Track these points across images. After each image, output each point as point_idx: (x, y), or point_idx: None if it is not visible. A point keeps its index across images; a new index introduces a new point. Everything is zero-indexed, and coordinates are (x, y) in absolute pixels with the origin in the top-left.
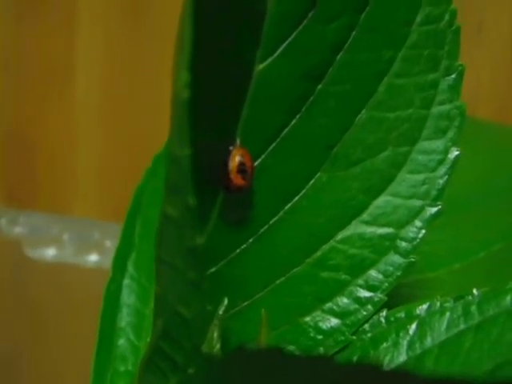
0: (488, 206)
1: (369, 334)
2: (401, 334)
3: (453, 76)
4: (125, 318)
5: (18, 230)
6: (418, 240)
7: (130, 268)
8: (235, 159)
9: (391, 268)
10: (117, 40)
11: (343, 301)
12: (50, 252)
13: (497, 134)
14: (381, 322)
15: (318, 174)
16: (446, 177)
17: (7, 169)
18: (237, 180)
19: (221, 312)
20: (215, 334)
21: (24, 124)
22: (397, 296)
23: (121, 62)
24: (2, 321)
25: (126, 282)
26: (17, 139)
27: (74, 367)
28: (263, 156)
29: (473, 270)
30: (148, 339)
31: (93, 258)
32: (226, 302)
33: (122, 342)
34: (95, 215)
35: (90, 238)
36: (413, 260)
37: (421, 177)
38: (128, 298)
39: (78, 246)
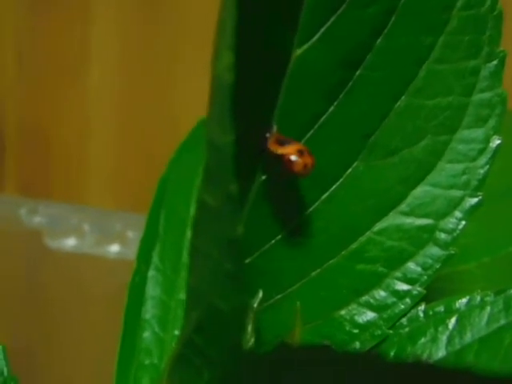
0: None
1: (406, 329)
2: (440, 329)
3: (494, 63)
4: (150, 311)
5: (37, 220)
6: (457, 231)
7: (155, 259)
8: (291, 146)
9: (430, 260)
10: (131, 32)
11: (380, 294)
12: (70, 242)
13: None
14: (419, 316)
15: (356, 164)
16: (487, 166)
17: (23, 160)
18: (304, 159)
19: (255, 305)
20: (249, 328)
21: (39, 116)
22: (427, 290)
23: (135, 53)
24: (23, 311)
25: (151, 273)
26: (32, 130)
27: (94, 359)
28: None
29: (503, 264)
30: (174, 332)
31: (114, 248)
32: (260, 294)
33: (146, 334)
34: (111, 205)
35: (110, 228)
36: (452, 252)
37: (461, 166)
38: (153, 289)
39: (99, 237)
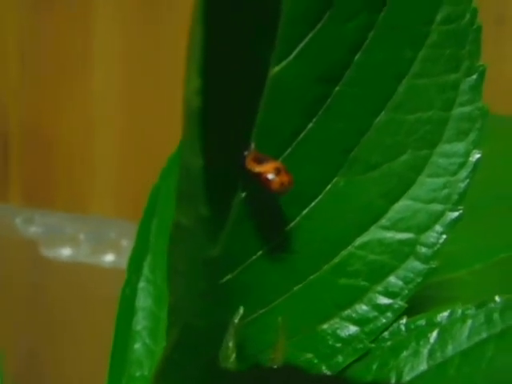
0: (511, 206)
1: (388, 342)
2: (421, 343)
3: (474, 77)
4: (140, 322)
5: (33, 229)
6: (438, 245)
7: (146, 270)
8: (269, 164)
9: (411, 274)
10: (134, 32)
11: (362, 308)
12: (66, 252)
13: None
14: (401, 329)
15: (336, 179)
16: (468, 180)
17: (24, 167)
18: (282, 178)
19: (236, 321)
20: (231, 344)
21: (40, 121)
22: (417, 298)
23: (138, 53)
24: (19, 320)
25: (142, 284)
26: (33, 137)
27: (88, 368)
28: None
29: (494, 271)
30: (164, 343)
31: (109, 257)
32: (241, 311)
33: (137, 346)
34: (113, 213)
35: (106, 237)
36: (433, 266)
37: (441, 180)
38: (144, 301)
39: (94, 246)
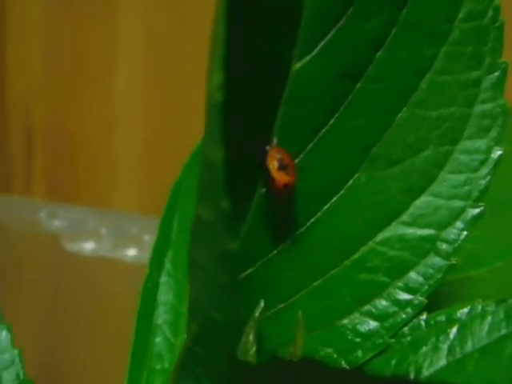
0: None
1: (408, 338)
2: (441, 338)
3: (496, 74)
4: (161, 316)
5: (57, 223)
6: (459, 242)
7: (167, 265)
8: (273, 158)
9: (431, 270)
10: (158, 31)
11: (382, 303)
12: (89, 246)
13: None
14: (420, 325)
15: (357, 175)
16: (489, 177)
17: (48, 163)
18: (280, 177)
19: (257, 314)
20: (251, 337)
21: (64, 117)
22: (438, 295)
23: (162, 53)
24: (40, 314)
25: (163, 279)
26: (57, 133)
27: (110, 363)
28: (300, 156)
29: None
30: (185, 337)
31: (131, 252)
32: (262, 304)
33: (158, 339)
34: (136, 209)
35: (128, 232)
36: (454, 262)
37: (462, 177)
38: (165, 295)
39: (117, 240)
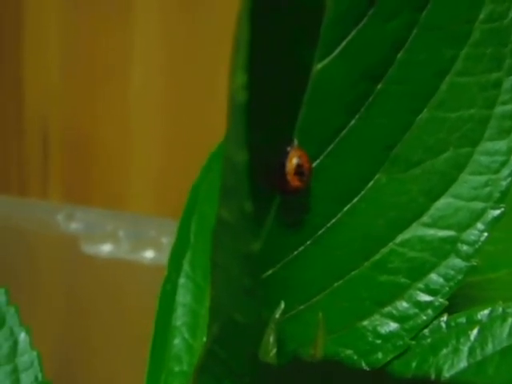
0: None
1: (428, 340)
2: (461, 340)
3: None
4: (180, 318)
5: (74, 226)
6: (479, 243)
7: (186, 267)
8: (292, 160)
9: (452, 272)
10: (174, 32)
11: (403, 305)
12: (106, 248)
13: None
14: (441, 327)
15: (377, 176)
16: (510, 178)
17: (64, 165)
18: (294, 182)
19: (277, 316)
20: (271, 338)
21: (80, 120)
22: (457, 297)
23: (178, 54)
24: (57, 316)
25: (182, 281)
26: (73, 136)
27: (128, 365)
28: (321, 157)
29: None
30: (203, 339)
31: (149, 254)
32: (282, 305)
33: (177, 341)
34: (152, 211)
35: (146, 234)
36: (474, 264)
37: (483, 178)
38: (183, 297)
39: (134, 243)
